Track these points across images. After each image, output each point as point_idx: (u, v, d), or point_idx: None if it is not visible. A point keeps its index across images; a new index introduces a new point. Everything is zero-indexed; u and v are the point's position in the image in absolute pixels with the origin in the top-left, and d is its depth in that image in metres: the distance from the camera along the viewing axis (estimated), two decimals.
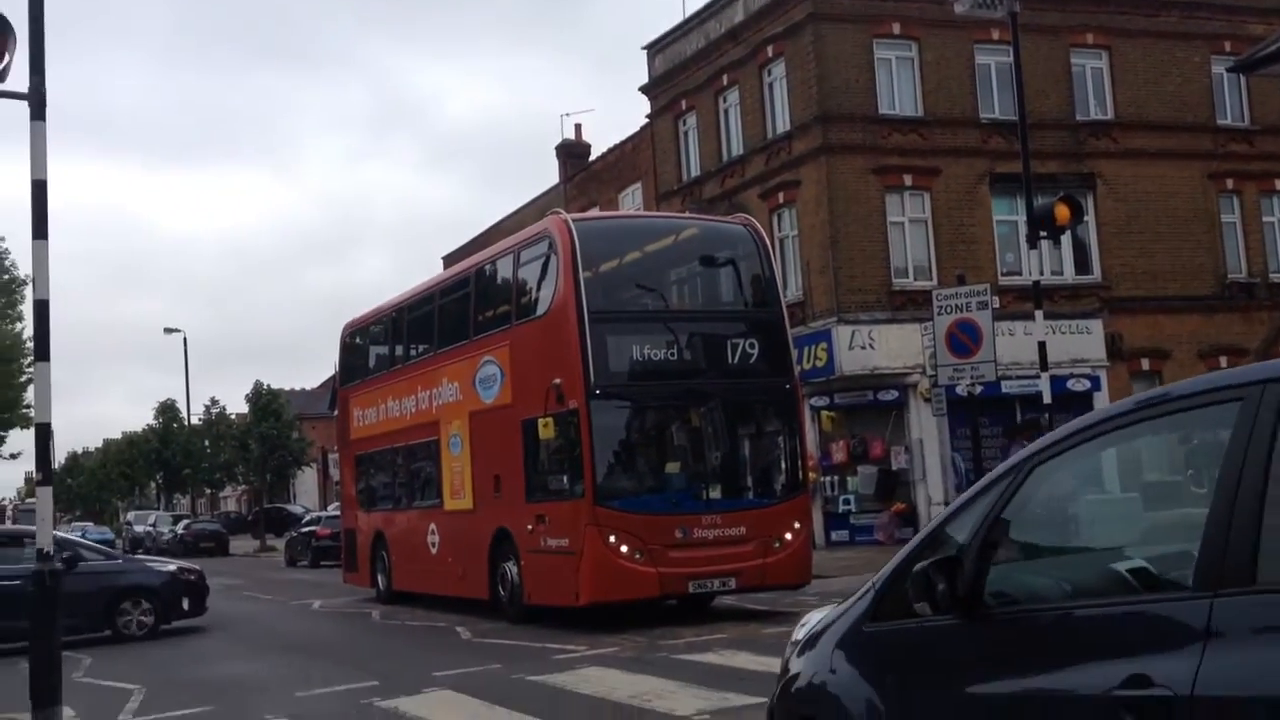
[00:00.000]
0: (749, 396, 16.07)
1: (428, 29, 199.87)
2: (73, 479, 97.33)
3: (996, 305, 21.87)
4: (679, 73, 32.65)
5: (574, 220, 16.03)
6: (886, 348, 26.34)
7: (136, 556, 23.26)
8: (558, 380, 15.12)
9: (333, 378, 28.26)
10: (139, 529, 57.74)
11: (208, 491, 72.83)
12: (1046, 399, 18.06)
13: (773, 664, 6.56)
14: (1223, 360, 29.46)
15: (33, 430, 11.46)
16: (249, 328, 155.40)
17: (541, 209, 33.41)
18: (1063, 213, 17.41)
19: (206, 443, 62.91)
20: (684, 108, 32.64)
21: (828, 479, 27.10)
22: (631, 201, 35.30)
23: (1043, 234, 18.05)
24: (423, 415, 19.90)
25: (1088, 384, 27.95)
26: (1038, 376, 19.14)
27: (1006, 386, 24.56)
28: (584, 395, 14.79)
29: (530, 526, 15.94)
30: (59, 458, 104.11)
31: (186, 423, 63.99)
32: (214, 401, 63.35)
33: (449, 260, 44.11)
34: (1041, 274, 20.42)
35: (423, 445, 19.98)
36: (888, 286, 26.78)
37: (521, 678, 11.50)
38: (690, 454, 15.91)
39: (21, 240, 46.36)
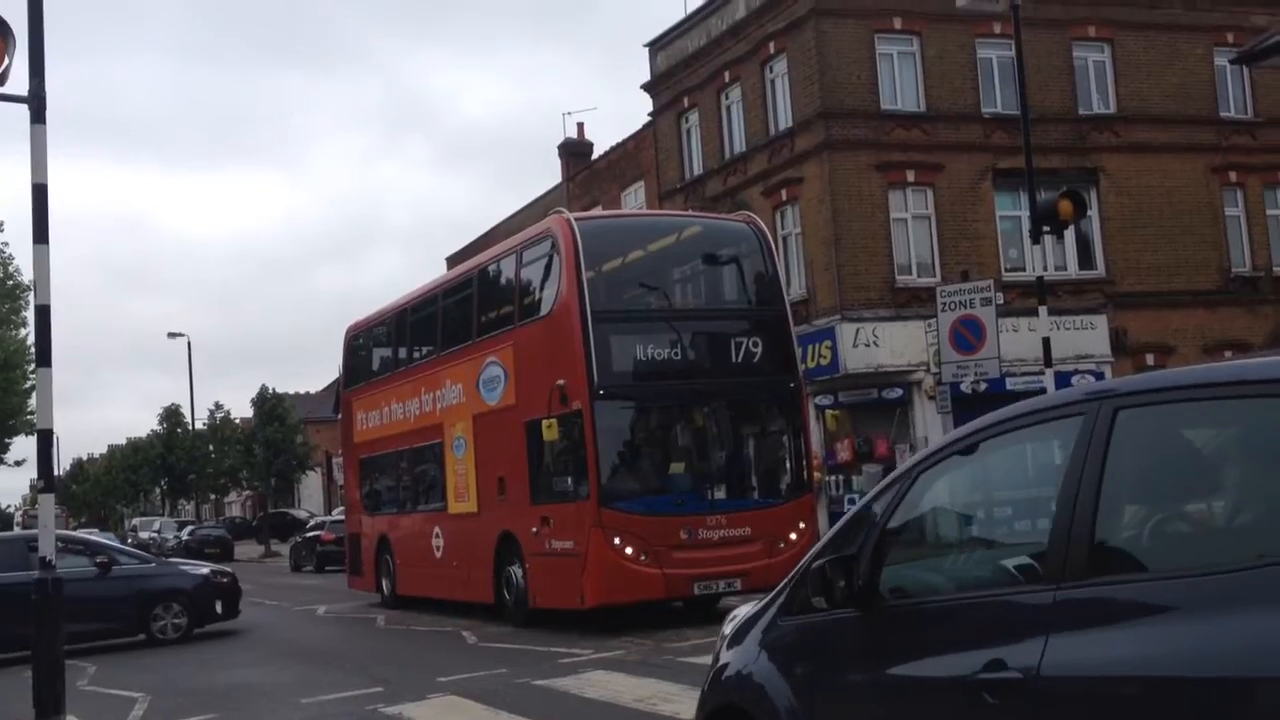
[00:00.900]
0: (753, 396, 15.99)
1: (443, 27, 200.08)
2: (78, 485, 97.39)
3: (1000, 301, 21.79)
4: (681, 70, 32.56)
5: (576, 219, 15.94)
6: (890, 345, 26.24)
7: (170, 560, 23.23)
8: (561, 381, 15.01)
9: (337, 381, 28.20)
10: (144, 535, 57.74)
11: (212, 497, 72.79)
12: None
13: None
14: (1228, 354, 29.32)
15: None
16: (258, 330, 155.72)
17: (544, 208, 33.35)
18: (1066, 208, 17.33)
19: (211, 448, 62.90)
20: (686, 105, 32.55)
21: (832, 478, 27.01)
22: (634, 200, 35.22)
23: (1046, 229, 17.97)
24: (426, 418, 19.83)
25: (1093, 379, 27.83)
26: (1042, 373, 19.05)
27: (1011, 383, 24.43)
28: (588, 396, 14.70)
29: (535, 529, 15.83)
30: (64, 464, 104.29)
31: (191, 428, 63.99)
32: (218, 406, 63.36)
33: (453, 260, 44.04)
34: (1045, 269, 20.30)
35: (426, 448, 19.90)
36: (891, 283, 26.69)
37: (527, 682, 11.43)
38: (694, 454, 15.83)
39: (27, 245, 46.28)
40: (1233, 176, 29.88)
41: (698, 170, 32.10)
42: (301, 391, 79.85)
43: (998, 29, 26.64)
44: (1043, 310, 18.84)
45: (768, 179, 28.70)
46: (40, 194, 10.85)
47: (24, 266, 45.74)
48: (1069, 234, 19.47)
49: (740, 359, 15.78)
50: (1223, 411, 3.49)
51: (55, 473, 12.90)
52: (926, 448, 4.47)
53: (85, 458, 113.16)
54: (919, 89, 27.75)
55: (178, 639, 17.70)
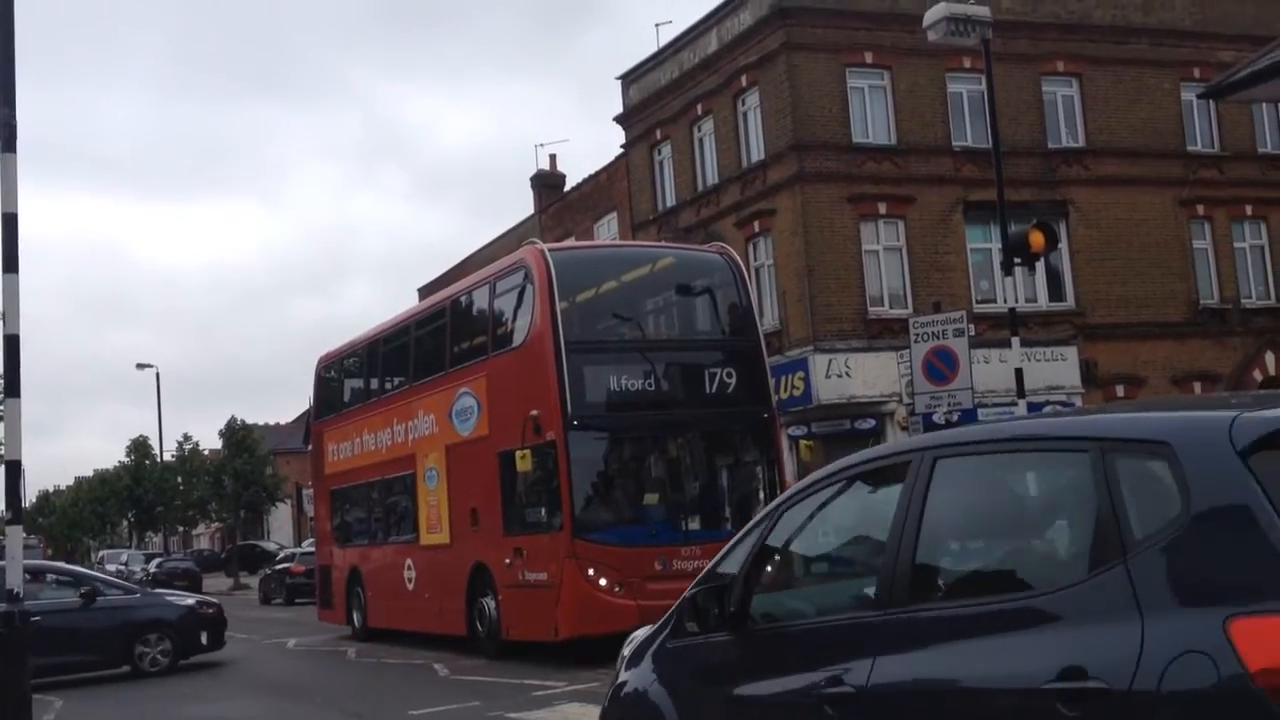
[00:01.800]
0: (727, 426, 15.98)
1: (421, 59, 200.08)
2: (44, 518, 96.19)
3: (972, 333, 21.91)
4: (653, 102, 32.73)
5: (550, 250, 15.99)
6: (863, 376, 26.32)
7: (155, 590, 22.94)
8: (535, 412, 14.99)
9: (307, 412, 28.02)
10: (110, 567, 57.03)
11: (180, 529, 72.07)
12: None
13: None
14: (1196, 386, 29.61)
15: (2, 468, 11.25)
16: (229, 361, 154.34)
17: (516, 240, 33.35)
18: (1037, 240, 17.45)
19: (179, 479, 62.32)
20: (659, 137, 32.69)
21: None
22: (607, 231, 35.29)
23: (1018, 261, 18.08)
24: (398, 449, 19.72)
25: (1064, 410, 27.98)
26: (1014, 404, 19.12)
27: (983, 414, 24.54)
28: (561, 427, 14.65)
29: (508, 560, 15.74)
30: (30, 497, 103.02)
31: (160, 459, 63.40)
32: (187, 437, 62.84)
33: (425, 291, 43.95)
34: (1017, 301, 20.44)
35: (398, 479, 19.80)
36: (863, 315, 26.81)
37: (500, 715, 11.33)
38: (668, 485, 15.80)
39: None
40: (1200, 210, 30.23)
41: (670, 202, 32.20)
42: (271, 423, 79.35)
43: (968, 63, 26.91)
44: (1015, 341, 18.94)
45: (740, 211, 28.82)
46: (10, 223, 10.75)
47: None
48: (1039, 266, 19.63)
49: (714, 390, 15.80)
50: (1007, 461, 4.21)
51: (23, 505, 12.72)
52: (792, 487, 5.09)
53: (51, 490, 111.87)
54: (890, 122, 27.98)
55: (162, 670, 17.46)
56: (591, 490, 15.22)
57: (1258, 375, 30.03)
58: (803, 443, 21.68)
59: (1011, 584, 3.95)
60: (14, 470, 10.82)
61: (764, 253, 28.33)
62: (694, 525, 15.43)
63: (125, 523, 74.83)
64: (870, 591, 4.31)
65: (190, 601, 19.14)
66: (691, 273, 17.32)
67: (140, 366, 56.70)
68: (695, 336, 17.11)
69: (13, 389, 10.89)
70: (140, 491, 64.49)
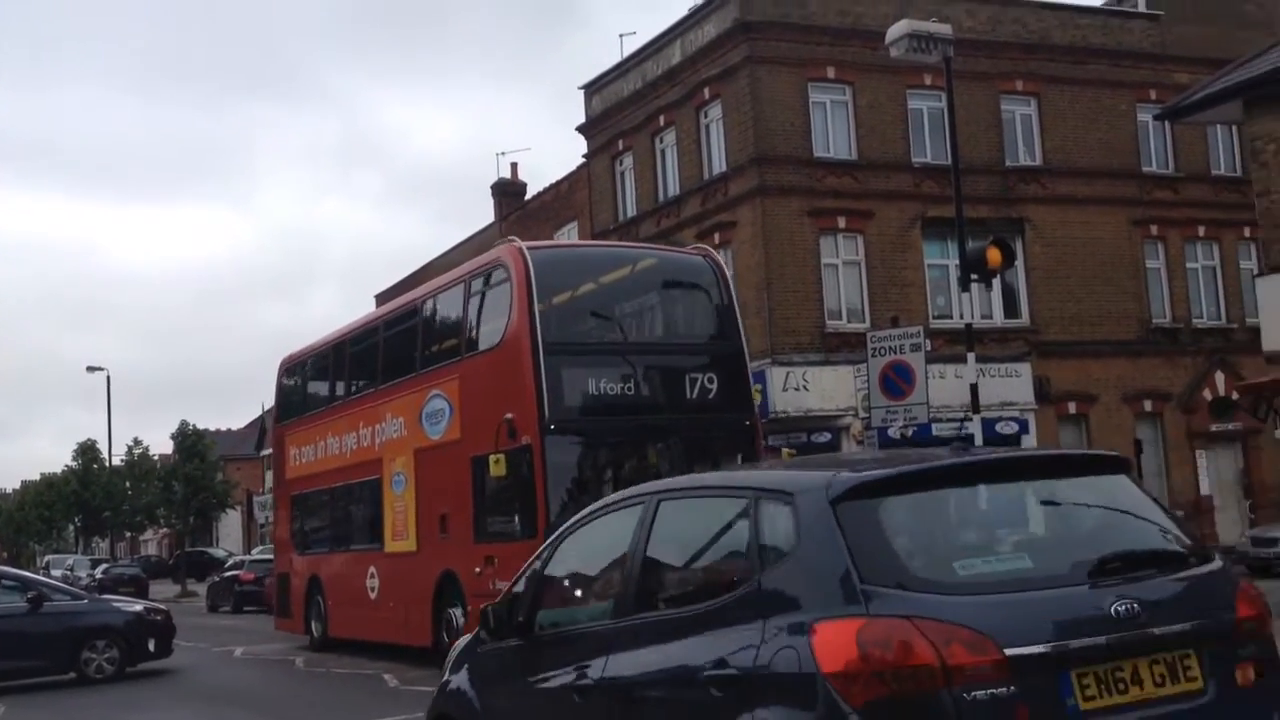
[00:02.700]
0: (708, 433, 15.47)
1: (400, 63, 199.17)
2: None
3: (929, 348, 21.99)
4: (616, 113, 32.70)
5: (529, 249, 15.37)
6: (820, 389, 26.37)
7: (102, 596, 22.50)
8: (510, 415, 14.47)
9: (260, 419, 27.72)
10: (56, 572, 56.10)
11: (128, 535, 71.09)
12: (978, 441, 18.10)
13: None
14: (1147, 404, 29.90)
15: None
16: (190, 365, 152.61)
17: (476, 248, 33.18)
18: (994, 256, 17.52)
19: (128, 484, 61.48)
20: (621, 148, 32.66)
21: None
22: (567, 240, 35.19)
23: (974, 277, 18.16)
24: (364, 453, 19.18)
25: (1016, 427, 28.17)
26: (968, 419, 19.21)
27: (938, 429, 24.66)
28: (538, 431, 14.19)
29: (478, 569, 15.12)
30: None
31: (109, 463, 62.52)
32: (136, 441, 62.00)
33: (382, 298, 43.65)
34: (972, 317, 20.55)
35: (363, 484, 19.25)
36: (821, 328, 26.87)
37: None
38: None
39: None
40: (1154, 230, 30.58)
41: (631, 212, 32.18)
42: (223, 428, 78.54)
43: (928, 80, 27.08)
44: (971, 357, 19.02)
45: (701, 222, 28.83)
46: None
47: None
48: (995, 283, 19.74)
49: (695, 395, 15.32)
50: (702, 504, 5.46)
51: None
52: (571, 519, 6.16)
53: None
54: (851, 137, 28.10)
55: (109, 678, 17.13)
56: (567, 497, 14.51)
57: (1207, 394, 30.38)
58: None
59: (697, 597, 5.02)
60: None
61: (724, 265, 28.30)
62: None
63: (71, 527, 73.71)
64: (611, 604, 5.50)
65: (138, 608, 18.82)
66: (673, 274, 16.90)
67: (91, 369, 55.89)
68: (677, 340, 16.49)
69: None
70: (87, 496, 63.55)
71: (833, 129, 28.05)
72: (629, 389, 15.02)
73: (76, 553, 68.40)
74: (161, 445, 62.66)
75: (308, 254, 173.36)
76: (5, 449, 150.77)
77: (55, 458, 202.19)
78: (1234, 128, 28.45)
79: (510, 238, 17.23)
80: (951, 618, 4.06)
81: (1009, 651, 4.02)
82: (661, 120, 30.78)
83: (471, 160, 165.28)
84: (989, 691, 3.98)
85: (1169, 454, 30.14)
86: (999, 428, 27.01)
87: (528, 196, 40.43)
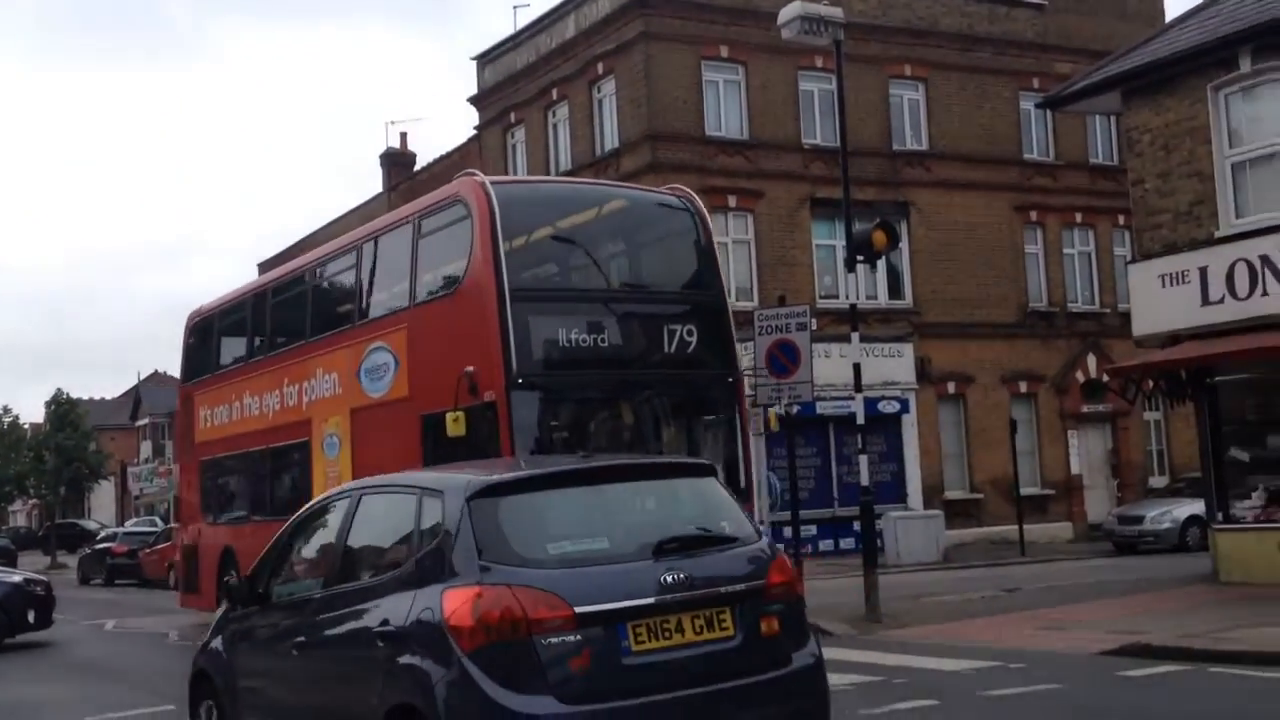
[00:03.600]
0: (688, 389, 14.24)
1: (284, 17, 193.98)
2: None
3: (814, 327, 22.27)
4: (509, 85, 32.48)
5: (493, 183, 13.83)
6: None
7: None
8: (470, 368, 13.07)
9: (135, 388, 26.78)
10: None
11: None
12: (860, 420, 18.43)
13: None
14: (1022, 385, 30.76)
15: None
16: (64, 332, 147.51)
17: (360, 218, 32.68)
18: (880, 239, 17.77)
19: None
20: (513, 120, 32.45)
21: None
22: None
23: (860, 258, 18.42)
24: (290, 413, 17.60)
25: (897, 405, 28.74)
26: (851, 398, 19.52)
27: (821, 407, 25.04)
28: (503, 385, 12.80)
29: None
30: None
31: None
32: (6, 410, 59.95)
33: (265, 266, 42.77)
34: (857, 298, 20.87)
35: (288, 448, 17.72)
36: None
37: None
38: (625, 455, 14.14)
39: None
40: (1033, 216, 31.39)
41: None
42: (96, 397, 76.32)
43: (820, 63, 27.37)
44: (855, 337, 19.32)
45: None
46: None
47: None
48: (880, 264, 20.10)
49: (674, 348, 13.93)
50: (388, 498, 6.97)
51: None
52: (299, 512, 7.75)
53: None
54: (743, 117, 28.29)
55: None
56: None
57: (1080, 376, 31.35)
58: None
59: (377, 571, 6.56)
60: None
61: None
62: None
63: None
64: (323, 579, 6.99)
65: (17, 579, 18.28)
66: (649, 216, 15.53)
67: None
68: (654, 288, 15.11)
69: None
70: None
71: (725, 108, 28.21)
72: (602, 340, 13.65)
73: None
74: (33, 414, 60.72)
75: (191, 223, 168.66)
76: None
77: None
78: (1112, 118, 29.31)
79: (470, 170, 15.38)
80: (539, 584, 5.58)
81: (578, 609, 5.53)
82: (555, 94, 30.64)
83: (353, 128, 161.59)
84: (562, 638, 5.49)
85: (1042, 434, 31.05)
86: (880, 406, 27.52)
87: (417, 167, 39.94)
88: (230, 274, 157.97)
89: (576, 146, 29.86)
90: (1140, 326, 18.04)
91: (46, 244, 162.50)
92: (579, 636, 5.51)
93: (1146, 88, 17.83)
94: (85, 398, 62.89)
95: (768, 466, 26.54)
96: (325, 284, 17.55)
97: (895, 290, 29.64)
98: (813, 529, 26.68)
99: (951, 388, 29.87)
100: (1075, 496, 31.15)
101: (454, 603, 5.63)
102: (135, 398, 70.72)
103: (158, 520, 50.01)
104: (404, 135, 42.15)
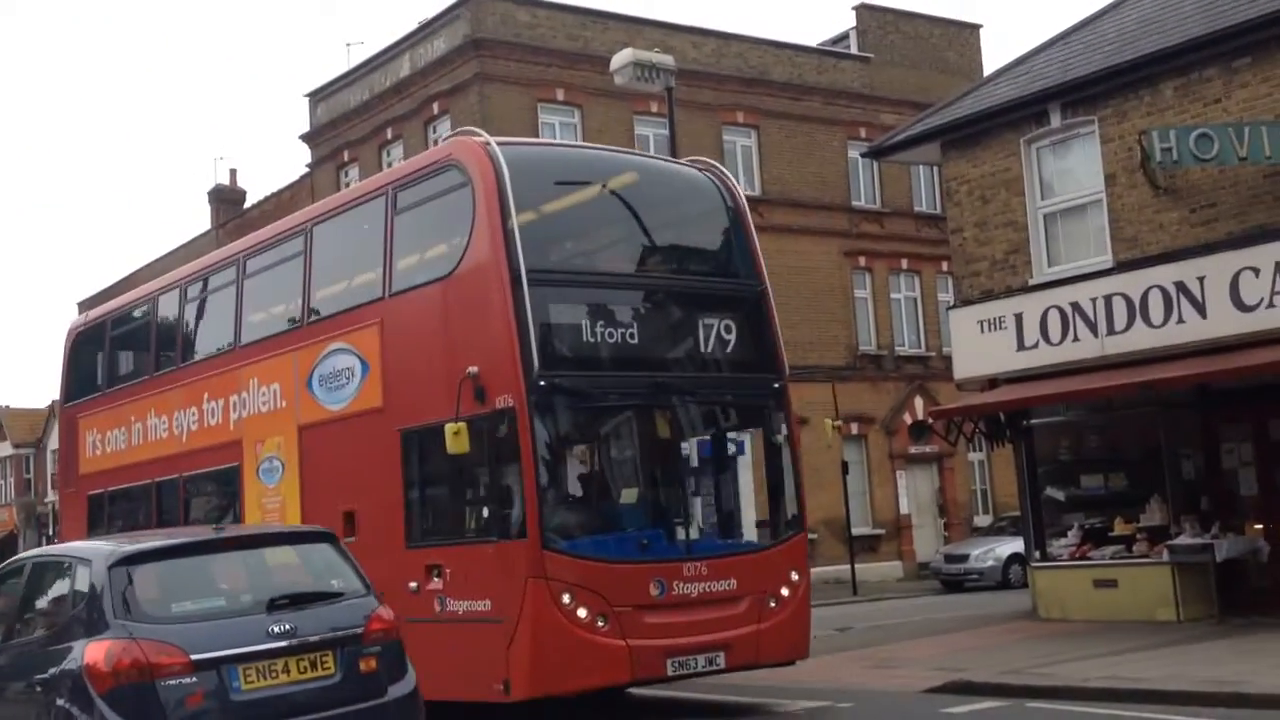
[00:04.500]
0: (730, 395, 12.20)
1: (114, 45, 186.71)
2: None
3: None
4: (342, 123, 32.05)
5: (499, 144, 11.38)
6: None
7: None
8: (473, 369, 10.74)
9: None
10: None
11: None
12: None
13: None
14: (854, 427, 31.43)
15: None
16: None
17: (187, 255, 31.66)
18: None
19: None
20: (346, 159, 31.97)
21: None
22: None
23: None
24: (212, 434, 14.68)
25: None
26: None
27: None
28: (523, 388, 10.45)
29: (415, 583, 11.14)
30: None
31: None
32: None
33: (86, 305, 41.04)
34: None
35: (210, 476, 14.98)
36: None
37: None
38: (663, 476, 11.90)
39: None
40: (862, 261, 32.26)
41: None
42: None
43: (655, 108, 27.68)
44: None
45: None
46: None
47: None
48: None
49: (711, 346, 11.74)
50: (54, 565, 8.23)
51: None
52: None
53: None
54: None
55: None
56: (563, 480, 11.14)
57: (908, 418, 32.22)
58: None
59: (47, 626, 7.79)
60: None
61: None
62: (695, 534, 11.53)
63: None
64: (5, 630, 8.16)
65: None
66: (677, 190, 12.94)
67: None
68: (687, 274, 12.53)
69: None
70: None
71: None
72: (630, 335, 11.37)
73: None
74: None
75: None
76: None
77: None
78: (934, 168, 30.38)
79: (468, 129, 12.98)
80: (161, 637, 6.92)
81: (193, 656, 6.88)
82: (389, 133, 30.32)
83: (179, 165, 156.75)
84: (179, 680, 6.83)
85: (873, 474, 31.77)
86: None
87: (247, 204, 38.97)
88: (48, 318, 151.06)
89: None
90: (961, 370, 18.59)
91: None
92: (194, 679, 6.87)
93: (963, 140, 18.48)
94: None
95: None
96: (261, 277, 14.46)
97: None
98: None
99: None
100: (905, 536, 31.91)
101: (92, 654, 6.87)
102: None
103: None
104: (233, 172, 41.06)
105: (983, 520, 32.34)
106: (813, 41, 35.23)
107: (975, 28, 36.22)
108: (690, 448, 12.20)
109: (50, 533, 48.48)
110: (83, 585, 7.41)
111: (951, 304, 20.42)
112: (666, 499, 11.70)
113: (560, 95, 28.16)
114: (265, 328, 14.21)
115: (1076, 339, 16.46)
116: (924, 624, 18.54)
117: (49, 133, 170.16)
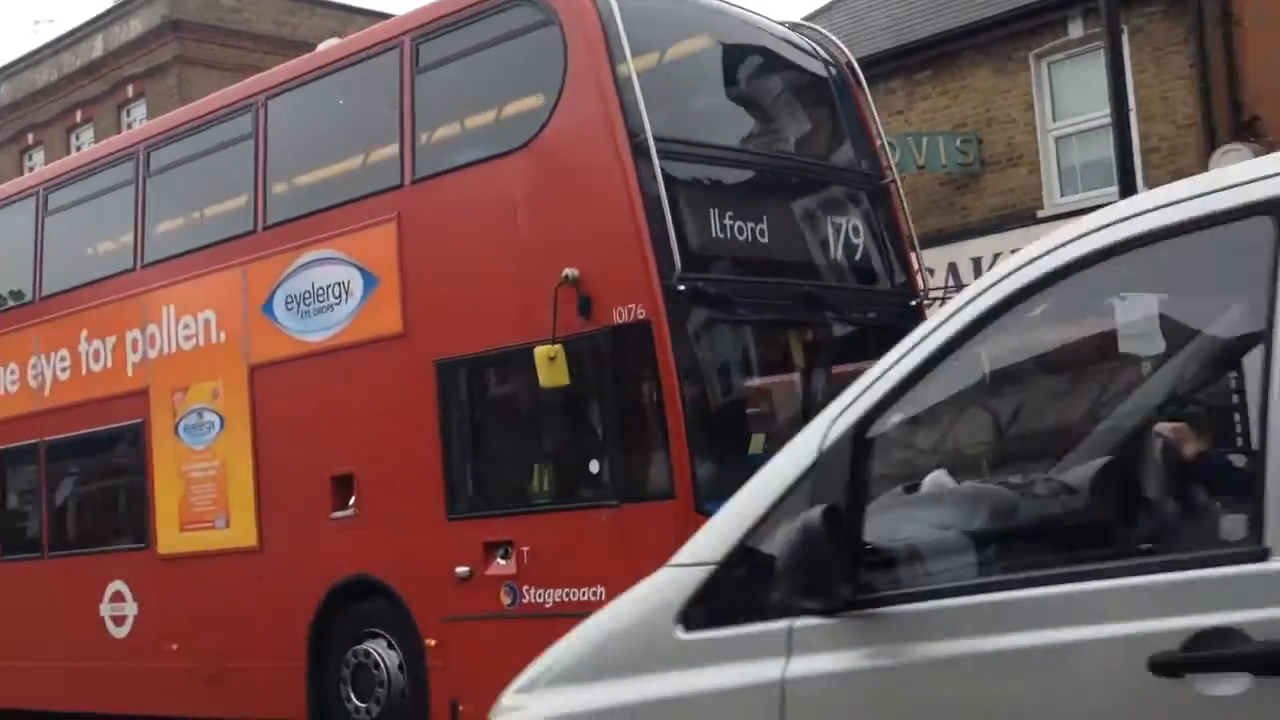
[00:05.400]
0: (871, 315, 9.45)
1: None
2: None
3: None
4: (28, 104, 30.30)
5: None
6: None
7: None
8: (572, 271, 7.84)
9: None
10: None
11: None
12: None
13: None
14: None
15: None
16: None
17: None
18: None
19: None
20: (31, 141, 30.33)
21: None
22: None
23: None
24: (95, 383, 11.10)
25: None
26: None
27: None
28: (660, 294, 7.68)
29: (466, 568, 8.39)
30: None
31: None
32: None
33: None
34: None
35: (90, 440, 11.37)
36: None
37: None
38: (807, 415, 7.21)
39: None
40: None
41: None
42: None
43: None
44: None
45: None
46: None
47: None
48: None
49: (841, 251, 9.08)
50: None
51: None
52: None
53: None
54: None
55: None
56: (714, 419, 8.09)
57: None
58: None
59: None
60: None
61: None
62: None
63: None
64: None
65: None
66: (800, 64, 9.98)
67: None
68: (814, 159, 9.86)
69: None
70: None
71: None
72: (761, 233, 8.61)
73: None
74: None
75: None
76: None
77: None
78: None
79: None
80: None
81: None
82: (79, 115, 28.92)
83: None
84: None
85: None
86: None
87: None
88: None
89: None
90: None
91: None
92: None
93: None
94: None
95: None
96: (177, 172, 10.96)
97: None
98: None
99: None
100: None
101: None
102: None
103: None
104: None
105: None
106: None
107: None
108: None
109: None
110: None
111: None
112: None
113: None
114: (187, 239, 10.94)
115: None
116: None
117: None
